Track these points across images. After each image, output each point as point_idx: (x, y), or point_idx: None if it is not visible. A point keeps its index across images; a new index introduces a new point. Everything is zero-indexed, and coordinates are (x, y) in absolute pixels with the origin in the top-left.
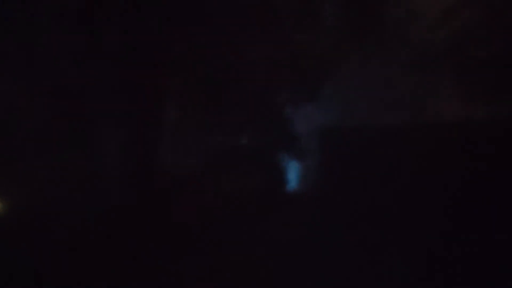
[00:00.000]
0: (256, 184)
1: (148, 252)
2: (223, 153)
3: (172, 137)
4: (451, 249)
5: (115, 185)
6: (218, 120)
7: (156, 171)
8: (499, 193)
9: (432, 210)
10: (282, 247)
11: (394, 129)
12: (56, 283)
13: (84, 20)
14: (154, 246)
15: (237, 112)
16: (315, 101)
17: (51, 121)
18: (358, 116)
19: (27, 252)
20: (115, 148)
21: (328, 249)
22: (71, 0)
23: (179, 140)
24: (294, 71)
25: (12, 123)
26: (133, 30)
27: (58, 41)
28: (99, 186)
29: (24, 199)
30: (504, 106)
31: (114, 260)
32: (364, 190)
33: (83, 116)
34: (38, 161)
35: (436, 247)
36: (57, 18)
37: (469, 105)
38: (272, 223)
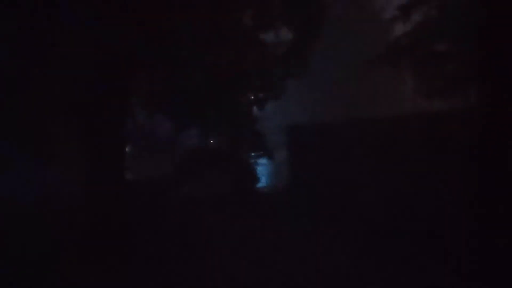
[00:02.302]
0: (225, 182)
1: (121, 253)
2: (192, 153)
3: (141, 139)
4: (404, 234)
5: (81, 189)
6: (186, 121)
7: (125, 174)
8: (456, 185)
9: (392, 201)
10: (253, 244)
11: (355, 124)
12: None
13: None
14: (128, 248)
15: (204, 112)
16: (279, 100)
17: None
18: (320, 113)
19: None
20: (85, 150)
21: (297, 244)
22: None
23: (148, 142)
24: (258, 71)
25: None
26: (99, 38)
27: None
28: (66, 191)
29: None
30: (462, 100)
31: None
32: (329, 185)
33: (51, 120)
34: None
35: (385, 235)
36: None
37: (427, 99)
38: (243, 220)
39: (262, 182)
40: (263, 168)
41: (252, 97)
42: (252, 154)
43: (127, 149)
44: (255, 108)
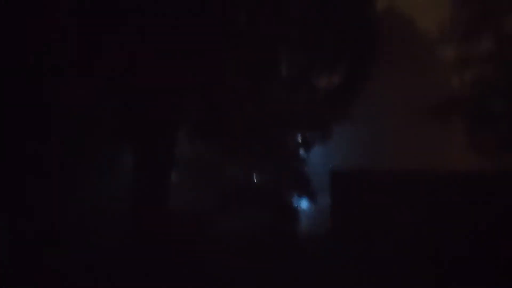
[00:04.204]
0: (267, 223)
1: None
2: (234, 188)
3: (184, 175)
4: None
5: (127, 222)
6: (230, 159)
7: (168, 208)
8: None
9: (438, 256)
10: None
11: (403, 175)
12: None
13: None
14: (166, 281)
15: (249, 151)
16: (326, 144)
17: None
18: (368, 160)
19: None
20: (128, 184)
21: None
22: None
23: (192, 178)
24: (307, 114)
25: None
26: (145, 76)
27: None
28: (111, 222)
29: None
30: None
31: None
32: (372, 233)
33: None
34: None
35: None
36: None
37: (480, 156)
38: (279, 263)
39: (303, 226)
40: (304, 211)
41: (299, 138)
42: (295, 195)
43: (172, 178)
44: (301, 150)
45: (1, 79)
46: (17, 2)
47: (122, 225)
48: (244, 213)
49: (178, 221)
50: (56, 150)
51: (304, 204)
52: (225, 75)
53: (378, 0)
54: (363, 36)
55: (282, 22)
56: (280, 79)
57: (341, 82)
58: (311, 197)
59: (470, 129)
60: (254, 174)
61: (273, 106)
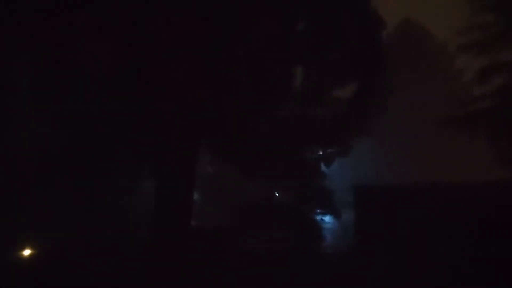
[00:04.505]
0: (287, 238)
1: None
2: (256, 205)
3: (206, 194)
4: None
5: (147, 237)
6: (252, 173)
7: (191, 220)
8: None
9: (468, 270)
10: None
11: (427, 188)
12: None
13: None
14: None
15: (270, 169)
16: (348, 159)
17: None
18: (391, 174)
19: None
20: (150, 201)
21: None
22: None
23: (213, 194)
24: (326, 130)
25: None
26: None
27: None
28: (130, 239)
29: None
30: None
31: None
32: (397, 247)
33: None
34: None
35: None
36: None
37: (502, 167)
38: (302, 280)
39: (326, 241)
40: (328, 227)
41: (321, 153)
42: (318, 211)
43: (195, 197)
44: (322, 166)
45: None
46: None
47: (144, 244)
48: (267, 231)
49: (200, 239)
50: (81, 170)
51: (327, 220)
52: (242, 94)
53: (394, 11)
54: (381, 50)
55: (295, 37)
56: (299, 96)
57: (360, 97)
58: (334, 213)
59: (495, 140)
60: (276, 192)
61: (292, 123)
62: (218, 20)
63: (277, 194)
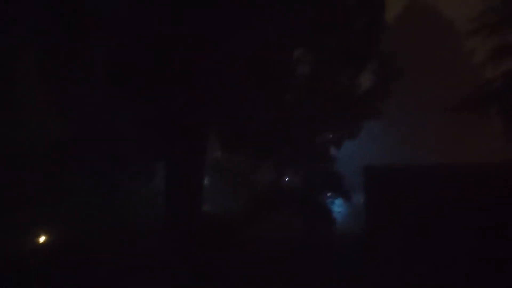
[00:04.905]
0: (298, 223)
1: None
2: (265, 191)
3: (216, 176)
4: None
5: (158, 225)
6: (261, 158)
7: (201, 206)
8: None
9: (479, 251)
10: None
11: (438, 169)
12: None
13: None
14: (194, 276)
15: (280, 149)
16: (357, 141)
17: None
18: (403, 155)
19: None
20: (161, 187)
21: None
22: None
23: (223, 180)
24: (336, 112)
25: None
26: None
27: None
28: (142, 226)
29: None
30: None
31: None
32: (408, 229)
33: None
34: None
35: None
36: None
37: None
38: (315, 264)
39: (337, 224)
40: (338, 210)
41: (330, 136)
42: (328, 194)
43: (205, 182)
44: (332, 148)
45: None
46: None
47: (155, 230)
48: (277, 216)
49: (211, 225)
50: (93, 158)
51: (337, 203)
52: (250, 78)
53: None
54: (390, 31)
55: (304, 21)
56: (307, 79)
57: (370, 79)
58: (345, 196)
59: (507, 121)
60: (286, 176)
61: (301, 107)
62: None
63: (287, 179)
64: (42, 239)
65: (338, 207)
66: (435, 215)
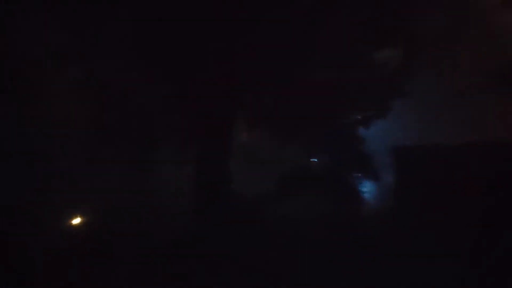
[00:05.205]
0: (326, 204)
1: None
2: (292, 171)
3: (244, 155)
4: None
5: (185, 203)
6: (288, 138)
7: (227, 189)
8: None
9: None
10: (354, 271)
11: (465, 148)
12: None
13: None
14: (228, 266)
15: (306, 129)
16: (386, 121)
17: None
18: (430, 135)
19: None
20: (187, 166)
21: (403, 267)
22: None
23: (250, 159)
24: (364, 90)
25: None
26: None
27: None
28: (169, 204)
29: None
30: None
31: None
32: (438, 208)
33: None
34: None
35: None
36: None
37: None
38: (344, 246)
39: (366, 205)
40: (367, 190)
41: (358, 117)
42: (357, 175)
43: (231, 164)
44: (360, 128)
45: None
46: None
47: (183, 214)
48: (305, 197)
49: (238, 207)
50: (121, 144)
51: (366, 184)
52: (276, 57)
53: None
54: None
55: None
56: (334, 58)
57: (398, 56)
58: (373, 176)
59: None
60: (313, 158)
61: (328, 87)
62: None
63: (315, 160)
64: (76, 221)
65: (366, 187)
66: (466, 195)
